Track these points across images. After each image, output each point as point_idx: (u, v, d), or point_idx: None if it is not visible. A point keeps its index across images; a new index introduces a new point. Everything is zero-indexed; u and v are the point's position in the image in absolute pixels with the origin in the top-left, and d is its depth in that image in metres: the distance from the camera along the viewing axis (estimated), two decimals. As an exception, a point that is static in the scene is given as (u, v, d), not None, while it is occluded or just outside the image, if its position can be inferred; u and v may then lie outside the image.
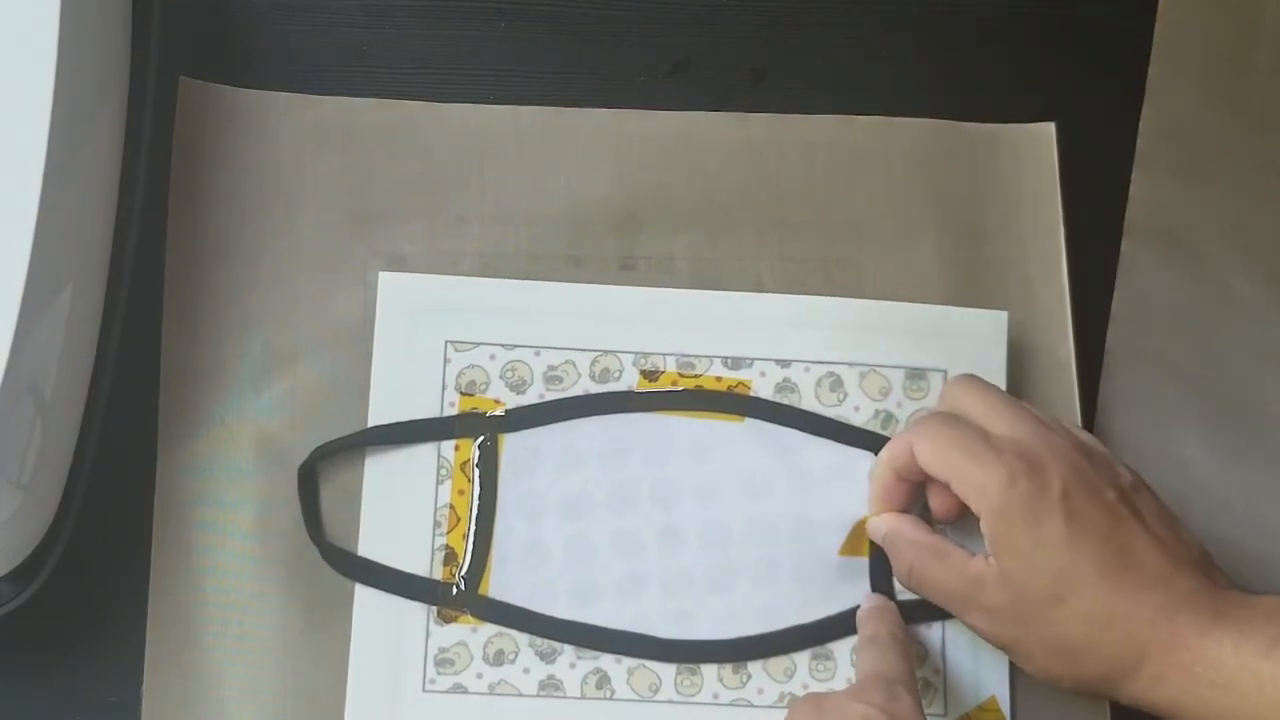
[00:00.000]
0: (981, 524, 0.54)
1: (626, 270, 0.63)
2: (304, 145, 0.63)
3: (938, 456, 0.55)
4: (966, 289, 0.64)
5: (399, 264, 0.62)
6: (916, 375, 0.62)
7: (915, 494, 0.59)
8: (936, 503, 0.58)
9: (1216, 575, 0.54)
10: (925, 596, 0.58)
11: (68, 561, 0.55)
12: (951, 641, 0.59)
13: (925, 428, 0.57)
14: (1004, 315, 0.62)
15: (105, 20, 0.57)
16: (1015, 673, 0.59)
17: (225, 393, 0.60)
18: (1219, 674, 0.51)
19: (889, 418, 0.61)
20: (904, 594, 0.59)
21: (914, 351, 0.62)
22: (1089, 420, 0.62)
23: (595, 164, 0.64)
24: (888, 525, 0.58)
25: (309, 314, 0.61)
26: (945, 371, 0.61)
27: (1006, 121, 0.66)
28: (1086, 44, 0.68)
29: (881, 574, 0.59)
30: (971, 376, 0.59)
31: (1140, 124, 0.66)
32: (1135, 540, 0.53)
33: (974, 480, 0.54)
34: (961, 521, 0.58)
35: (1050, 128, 0.66)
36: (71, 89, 0.52)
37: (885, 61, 0.67)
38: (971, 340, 0.62)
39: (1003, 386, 0.60)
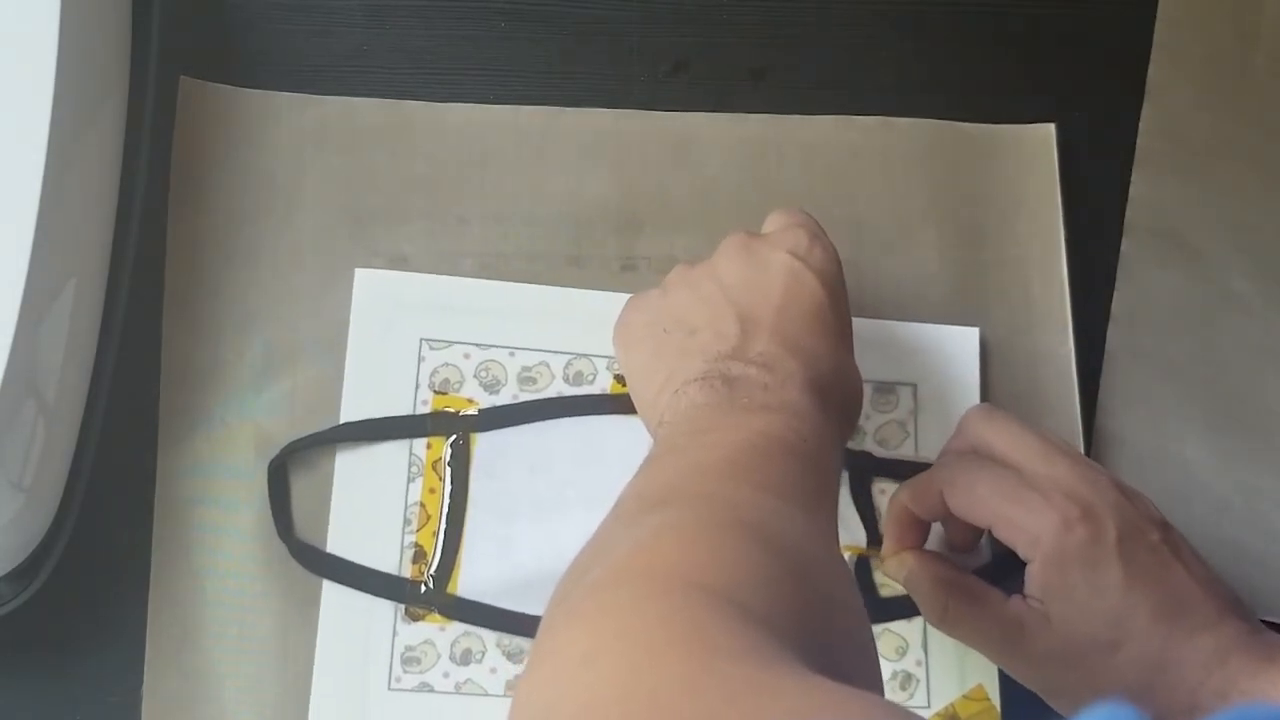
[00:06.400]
0: (1033, 569, 0.52)
1: (627, 270, 0.63)
2: (304, 145, 0.63)
3: (978, 504, 0.53)
4: (966, 289, 0.64)
5: (399, 264, 0.62)
6: (886, 389, 0.61)
7: (929, 530, 0.58)
8: (956, 537, 0.57)
9: (1251, 617, 0.53)
10: (958, 639, 0.55)
11: (68, 561, 0.55)
12: (933, 632, 0.58)
13: (957, 474, 0.54)
14: (975, 331, 0.62)
15: (105, 20, 0.57)
16: None
17: (225, 393, 0.60)
18: None
19: (857, 431, 0.60)
20: (885, 590, 0.59)
21: (883, 366, 0.61)
22: (1089, 420, 0.62)
23: (595, 164, 0.64)
24: (910, 565, 0.56)
25: (309, 314, 0.61)
26: (915, 386, 0.61)
27: (1006, 121, 0.66)
28: (1086, 44, 0.68)
29: (862, 575, 0.59)
30: (991, 409, 0.56)
31: (1140, 124, 0.66)
32: (1183, 584, 0.52)
33: (1025, 526, 0.52)
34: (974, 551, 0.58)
35: (1050, 128, 0.66)
36: (72, 88, 0.52)
37: (885, 61, 0.67)
38: (944, 356, 0.62)
39: (976, 402, 0.60)
